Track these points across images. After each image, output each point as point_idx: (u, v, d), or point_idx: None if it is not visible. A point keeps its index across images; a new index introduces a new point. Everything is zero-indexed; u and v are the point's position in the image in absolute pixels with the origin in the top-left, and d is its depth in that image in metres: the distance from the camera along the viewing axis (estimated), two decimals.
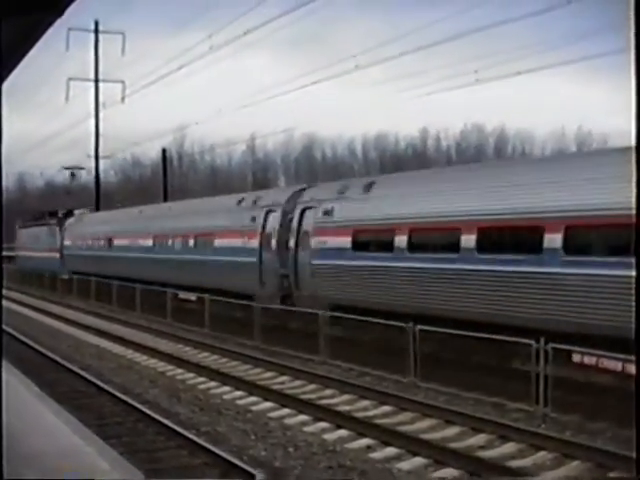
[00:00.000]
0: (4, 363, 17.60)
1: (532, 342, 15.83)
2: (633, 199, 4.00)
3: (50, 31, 9.31)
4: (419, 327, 18.71)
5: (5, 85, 12.61)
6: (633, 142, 3.76)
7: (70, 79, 76.50)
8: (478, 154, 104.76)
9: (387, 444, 13.63)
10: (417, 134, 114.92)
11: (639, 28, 3.77)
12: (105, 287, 42.44)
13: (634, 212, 4.09)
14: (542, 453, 12.84)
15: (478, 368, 17.47)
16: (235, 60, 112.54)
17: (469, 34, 44.59)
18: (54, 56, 68.11)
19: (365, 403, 16.99)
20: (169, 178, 78.62)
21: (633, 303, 4.07)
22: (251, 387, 18.71)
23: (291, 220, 26.62)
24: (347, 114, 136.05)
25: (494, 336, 16.69)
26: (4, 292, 50.10)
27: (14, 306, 42.10)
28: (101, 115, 74.73)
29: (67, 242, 54.05)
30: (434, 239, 20.82)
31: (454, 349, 18.21)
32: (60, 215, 57.29)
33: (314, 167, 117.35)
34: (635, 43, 3.78)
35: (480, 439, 13.95)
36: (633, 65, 3.79)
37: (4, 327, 30.02)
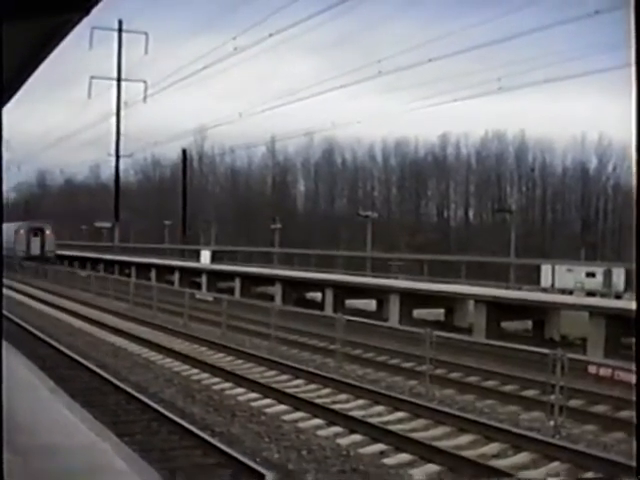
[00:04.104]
0: (20, 358, 17.69)
1: (549, 352, 15.88)
2: (633, 199, 4.01)
3: (76, 29, 9.39)
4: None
5: (30, 82, 12.72)
6: (633, 142, 3.77)
7: (93, 77, 76.96)
8: (498, 163, 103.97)
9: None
10: (437, 141, 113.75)
11: None
12: (123, 286, 42.74)
13: (634, 212, 4.09)
14: (555, 464, 12.84)
15: None
16: (259, 62, 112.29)
17: (495, 42, 44.53)
18: (78, 54, 68.41)
19: (379, 408, 16.99)
20: (188, 179, 78.88)
21: (634, 303, 4.08)
22: (266, 389, 18.72)
23: None
24: (368, 119, 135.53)
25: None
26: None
27: (32, 302, 42.34)
28: (123, 114, 75.10)
29: None
30: None
31: None
32: None
33: (334, 172, 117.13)
34: (635, 45, 3.78)
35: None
36: (634, 67, 3.79)
37: (22, 323, 30.26)
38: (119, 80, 75.95)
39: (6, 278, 62.95)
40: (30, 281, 56.69)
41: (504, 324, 29.31)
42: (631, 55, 3.72)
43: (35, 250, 74.99)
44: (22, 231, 75.83)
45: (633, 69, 3.71)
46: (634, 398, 4.14)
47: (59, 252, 77.53)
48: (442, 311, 33.30)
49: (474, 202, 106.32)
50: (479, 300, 29.42)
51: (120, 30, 74.97)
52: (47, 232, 77.29)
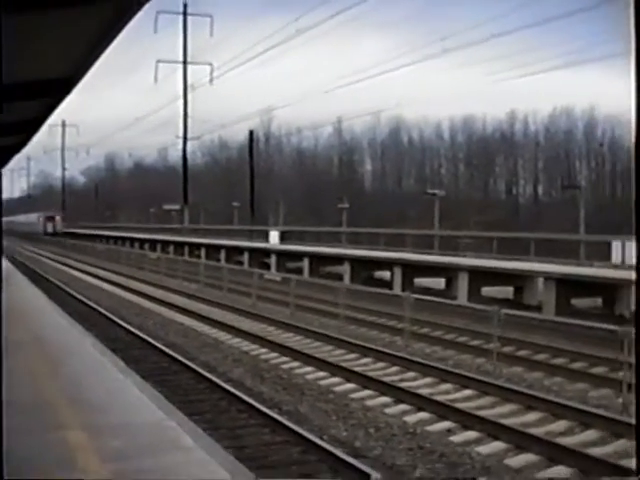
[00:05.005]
0: (92, 339, 18.02)
1: (617, 329, 15.76)
2: (633, 198, 4.00)
3: (141, 14, 9.52)
4: None
5: (97, 68, 12.92)
6: (633, 141, 3.76)
7: (159, 61, 77.74)
8: (567, 139, 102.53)
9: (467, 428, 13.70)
10: (504, 118, 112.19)
11: (639, 28, 3.77)
12: (193, 267, 43.23)
13: (634, 211, 4.07)
14: (622, 441, 12.74)
15: None
16: (321, 43, 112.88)
17: (560, 17, 43.87)
18: (143, 39, 69.11)
19: (446, 386, 17.00)
20: (256, 160, 79.25)
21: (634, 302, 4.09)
22: (334, 368, 18.81)
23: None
24: (434, 97, 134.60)
25: None
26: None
27: (102, 284, 42.97)
28: (189, 97, 75.65)
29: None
30: None
31: None
32: None
33: (401, 151, 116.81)
34: (635, 42, 3.77)
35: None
36: (633, 65, 3.78)
37: (93, 305, 30.77)
38: (185, 63, 76.51)
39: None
40: (100, 264, 57.57)
41: (574, 301, 29.02)
42: (631, 52, 3.72)
43: (49, 229, 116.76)
44: (41, 218, 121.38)
45: (632, 66, 3.71)
46: (634, 393, 4.15)
47: (130, 235, 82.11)
48: (511, 289, 33.06)
49: (543, 179, 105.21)
50: (548, 277, 29.16)
51: (185, 14, 75.48)
52: (57, 218, 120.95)
